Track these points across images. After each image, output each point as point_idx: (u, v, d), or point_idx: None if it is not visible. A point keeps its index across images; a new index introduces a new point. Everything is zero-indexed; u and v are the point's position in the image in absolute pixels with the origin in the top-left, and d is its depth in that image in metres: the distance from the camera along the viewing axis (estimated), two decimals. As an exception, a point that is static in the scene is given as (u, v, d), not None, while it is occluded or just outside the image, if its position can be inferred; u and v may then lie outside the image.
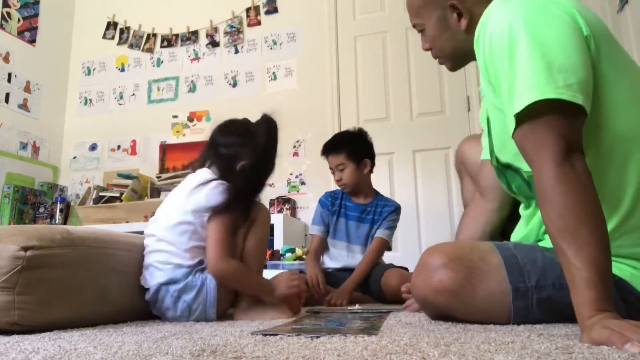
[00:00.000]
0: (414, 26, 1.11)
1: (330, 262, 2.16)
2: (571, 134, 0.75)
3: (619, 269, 0.87)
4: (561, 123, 0.74)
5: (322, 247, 2.17)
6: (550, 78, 0.74)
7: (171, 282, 1.20)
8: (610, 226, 0.83)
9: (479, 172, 1.24)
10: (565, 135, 0.74)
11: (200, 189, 1.24)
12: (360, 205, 2.14)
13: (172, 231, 1.24)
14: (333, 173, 2.13)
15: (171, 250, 1.22)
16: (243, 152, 1.31)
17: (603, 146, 0.83)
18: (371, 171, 2.14)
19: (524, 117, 0.77)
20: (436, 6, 1.03)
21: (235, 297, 1.29)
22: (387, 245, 2.10)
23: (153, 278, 1.23)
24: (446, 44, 1.05)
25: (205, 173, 1.31)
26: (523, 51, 0.78)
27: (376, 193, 2.19)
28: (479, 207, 1.24)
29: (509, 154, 0.95)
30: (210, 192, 1.23)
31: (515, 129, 0.79)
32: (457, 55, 1.06)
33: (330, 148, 2.13)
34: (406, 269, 2.01)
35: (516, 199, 1.09)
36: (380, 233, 2.08)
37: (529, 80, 0.76)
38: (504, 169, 1.01)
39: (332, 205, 2.17)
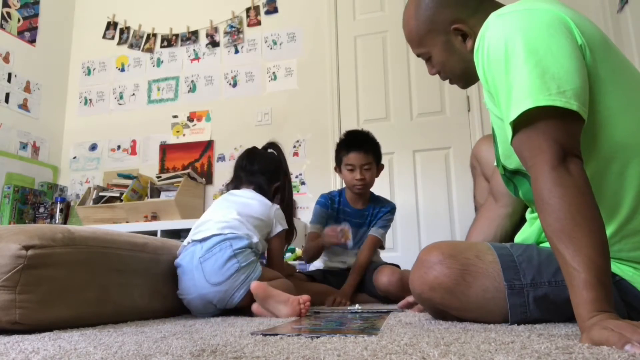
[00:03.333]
0: (419, 55, 1.11)
1: (331, 263, 2.15)
2: (566, 138, 0.76)
3: (620, 269, 0.88)
4: (556, 128, 0.76)
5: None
6: (544, 85, 0.76)
7: (240, 237, 1.37)
8: (609, 231, 0.83)
9: (493, 177, 1.26)
10: (560, 140, 0.75)
11: (263, 204, 1.54)
12: (359, 211, 2.13)
13: (246, 221, 1.45)
14: (351, 171, 2.02)
15: (249, 227, 1.44)
16: (274, 176, 1.66)
17: (601, 153, 0.84)
18: None
19: (520, 125, 0.79)
20: (439, 32, 1.04)
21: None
22: (379, 244, 2.09)
23: (215, 230, 1.39)
24: (456, 65, 1.06)
25: (252, 193, 1.58)
26: (518, 61, 0.79)
27: (371, 195, 2.18)
28: (492, 211, 1.25)
29: (516, 160, 0.96)
30: (277, 214, 1.56)
31: (512, 136, 0.81)
32: (468, 74, 1.06)
33: (363, 145, 2.02)
34: (397, 266, 2.05)
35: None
36: (373, 232, 2.07)
37: (523, 88, 0.77)
38: (511, 176, 1.03)
39: (331, 208, 2.13)
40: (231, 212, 1.46)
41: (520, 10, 0.85)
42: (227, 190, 1.66)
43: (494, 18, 0.87)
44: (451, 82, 1.13)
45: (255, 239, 1.42)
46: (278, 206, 1.57)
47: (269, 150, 1.76)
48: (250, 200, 1.54)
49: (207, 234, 1.38)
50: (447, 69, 1.08)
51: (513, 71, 0.80)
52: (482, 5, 1.01)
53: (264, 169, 1.65)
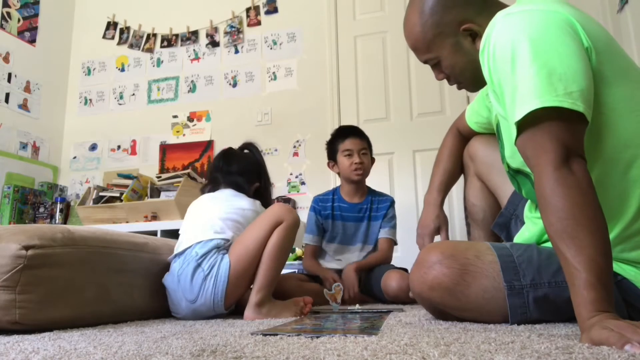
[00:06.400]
0: (426, 62, 1.09)
1: (328, 264, 2.14)
2: (570, 139, 0.76)
3: (622, 268, 0.88)
4: (560, 129, 0.76)
5: (317, 254, 2.18)
6: (551, 86, 0.76)
7: (208, 240, 1.31)
8: (614, 231, 0.83)
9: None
10: (564, 141, 0.75)
11: (248, 198, 1.49)
12: (356, 205, 2.14)
13: (226, 218, 1.39)
14: (349, 156, 2.07)
15: (228, 225, 1.38)
16: (253, 177, 1.59)
17: (606, 154, 0.84)
18: None
19: (525, 125, 0.78)
20: (448, 35, 1.01)
21: (245, 292, 1.31)
22: (394, 244, 2.14)
23: (188, 242, 1.34)
24: (466, 67, 1.04)
25: (233, 191, 1.51)
26: (525, 61, 0.79)
27: (368, 189, 2.20)
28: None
29: (519, 159, 0.96)
30: (257, 205, 1.49)
31: (517, 136, 0.81)
32: (479, 75, 1.01)
33: (358, 132, 2.14)
34: (406, 270, 2.00)
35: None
36: (385, 234, 2.10)
37: (530, 88, 0.77)
38: (515, 174, 1.03)
39: (323, 209, 2.16)
40: (210, 214, 1.41)
41: (527, 10, 0.85)
42: (203, 193, 1.56)
43: (500, 17, 0.86)
44: (459, 87, 1.11)
45: (229, 234, 1.35)
46: (255, 200, 1.50)
47: (245, 151, 1.67)
48: (233, 197, 1.48)
49: (183, 247, 1.34)
50: (458, 71, 1.05)
51: (519, 71, 0.79)
52: (487, 3, 1.00)
53: (242, 170, 1.56)
